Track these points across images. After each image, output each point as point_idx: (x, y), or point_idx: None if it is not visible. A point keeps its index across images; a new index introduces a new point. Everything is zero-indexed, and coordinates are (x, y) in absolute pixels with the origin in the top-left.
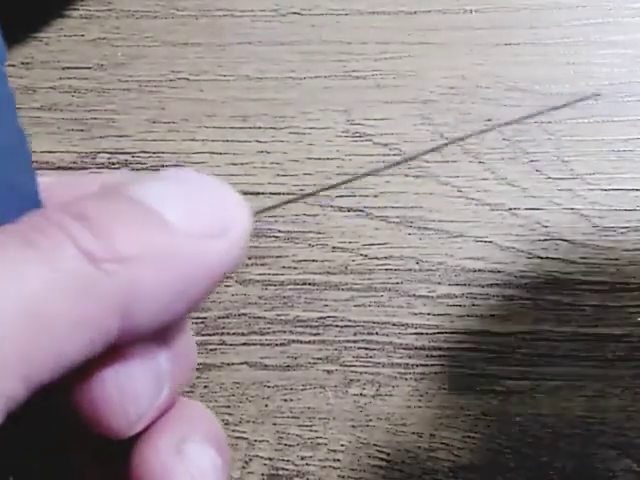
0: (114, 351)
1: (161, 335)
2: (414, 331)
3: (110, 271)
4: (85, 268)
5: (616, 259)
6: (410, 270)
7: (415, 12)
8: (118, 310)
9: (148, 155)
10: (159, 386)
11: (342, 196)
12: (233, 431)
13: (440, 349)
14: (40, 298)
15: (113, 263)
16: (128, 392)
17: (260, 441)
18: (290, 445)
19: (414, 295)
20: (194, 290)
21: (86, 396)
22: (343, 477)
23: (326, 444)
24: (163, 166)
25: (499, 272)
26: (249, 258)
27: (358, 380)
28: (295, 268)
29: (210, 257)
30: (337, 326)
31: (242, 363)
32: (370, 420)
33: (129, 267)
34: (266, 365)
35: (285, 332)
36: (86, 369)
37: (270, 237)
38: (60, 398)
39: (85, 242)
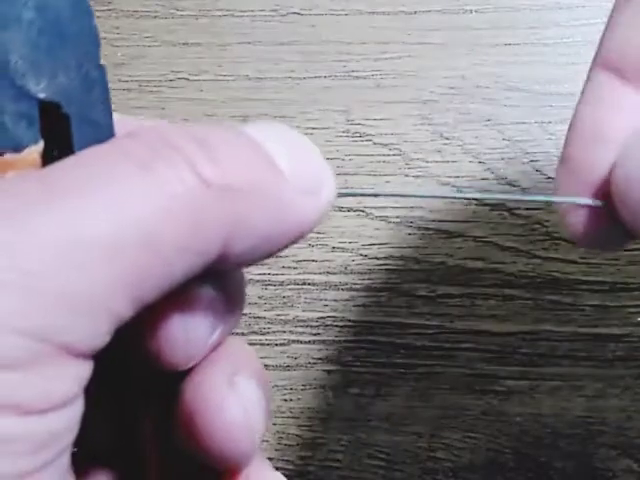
0: (182, 292)
1: (221, 276)
2: (414, 331)
3: (222, 198)
4: (199, 193)
5: (616, 259)
6: (410, 270)
7: (415, 12)
8: (221, 239)
9: None
10: (215, 326)
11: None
12: None
13: (440, 349)
14: (155, 224)
15: (226, 191)
16: (190, 330)
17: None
18: (290, 445)
19: (414, 295)
20: (284, 238)
21: (153, 331)
22: (343, 477)
23: (326, 444)
24: None
25: (499, 272)
26: None
27: (358, 380)
28: (295, 268)
29: (306, 211)
30: (337, 326)
31: None
32: (370, 420)
33: (240, 198)
34: (266, 365)
35: (285, 332)
36: (157, 307)
37: None
38: (128, 333)
39: (202, 167)
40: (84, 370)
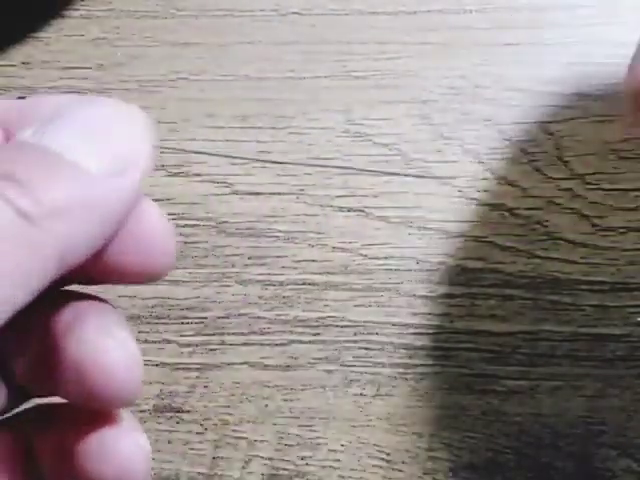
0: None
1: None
2: (414, 331)
3: (44, 226)
4: (22, 226)
5: (616, 259)
6: (410, 270)
7: (415, 12)
8: (55, 259)
9: None
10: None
11: (342, 196)
12: (233, 431)
13: (440, 349)
14: None
15: (46, 219)
16: None
17: (260, 441)
18: (290, 445)
19: (414, 295)
20: (114, 223)
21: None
22: (343, 477)
23: (326, 444)
24: (163, 166)
25: (499, 272)
26: (249, 258)
27: (358, 380)
28: (295, 268)
29: (121, 192)
30: (337, 326)
31: (242, 363)
32: (370, 420)
33: (58, 220)
34: (266, 365)
35: (285, 332)
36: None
37: (270, 237)
38: None
39: (18, 201)
40: None
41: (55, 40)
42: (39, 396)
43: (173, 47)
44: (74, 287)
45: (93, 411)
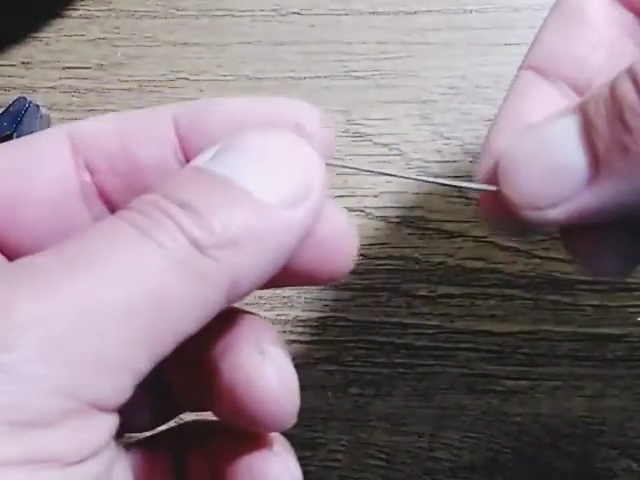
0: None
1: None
2: (414, 331)
3: (216, 257)
4: (195, 256)
5: None
6: (410, 270)
7: (415, 12)
8: (225, 289)
9: None
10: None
11: (342, 196)
12: None
13: (440, 349)
14: (161, 285)
15: (218, 249)
16: None
17: None
18: (290, 445)
19: (414, 295)
20: (286, 255)
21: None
22: (343, 477)
23: (326, 444)
24: None
25: (499, 272)
26: None
27: (358, 380)
28: None
29: (296, 224)
30: (337, 326)
31: None
32: (370, 420)
33: (231, 251)
34: None
35: (285, 332)
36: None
37: None
38: None
39: (192, 231)
40: (111, 421)
41: (55, 40)
42: (191, 410)
43: (173, 47)
44: None
45: (245, 432)
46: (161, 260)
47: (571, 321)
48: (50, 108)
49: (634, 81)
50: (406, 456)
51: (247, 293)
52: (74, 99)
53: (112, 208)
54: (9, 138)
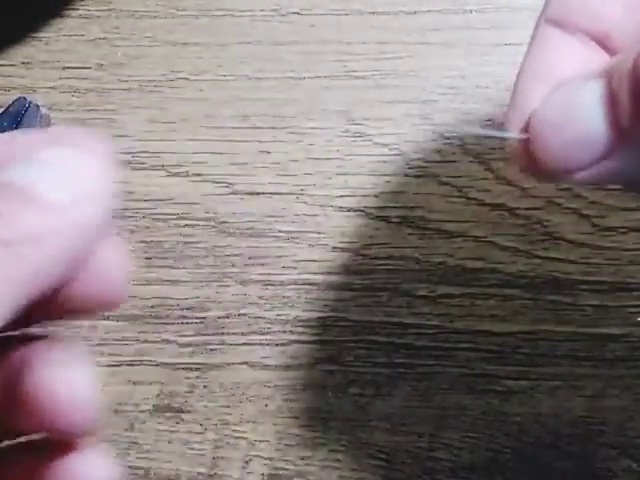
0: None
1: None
2: (414, 331)
3: (17, 253)
4: None
5: (616, 259)
6: (410, 270)
7: (415, 12)
8: (26, 285)
9: (148, 155)
10: None
11: (342, 196)
12: (233, 431)
13: (440, 349)
14: None
15: (18, 245)
16: None
17: (260, 441)
18: (290, 445)
19: (414, 295)
20: (75, 250)
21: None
22: (343, 477)
23: (326, 444)
24: (163, 166)
25: (499, 272)
26: (249, 258)
27: (358, 380)
28: (295, 268)
29: (84, 221)
30: (337, 326)
31: (242, 363)
32: (370, 420)
33: (30, 247)
34: (266, 365)
35: (285, 332)
36: None
37: (270, 237)
38: None
39: None
40: None
41: (55, 40)
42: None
43: (173, 47)
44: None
45: (57, 442)
46: None
47: (571, 321)
48: (50, 108)
49: None
50: (406, 456)
51: (46, 290)
52: (74, 99)
53: None
54: None
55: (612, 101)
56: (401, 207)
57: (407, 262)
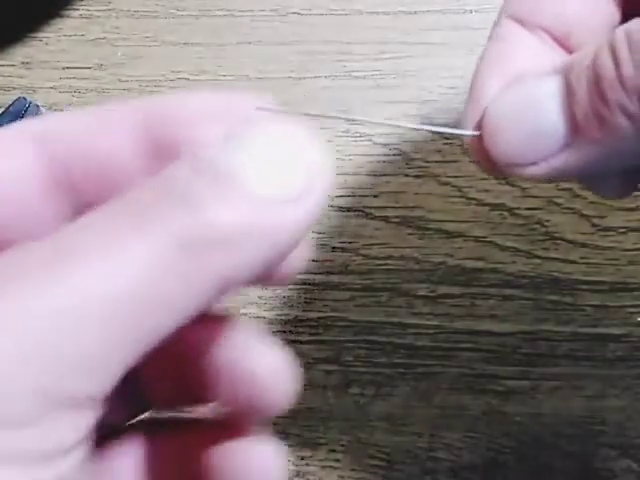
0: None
1: None
2: (414, 331)
3: (212, 252)
4: (188, 254)
5: (616, 259)
6: (410, 270)
7: (415, 12)
8: (215, 288)
9: None
10: None
11: (342, 196)
12: None
13: (440, 349)
14: (148, 284)
15: (211, 248)
16: None
17: None
18: (290, 445)
19: (414, 295)
20: (279, 253)
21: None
22: (343, 477)
23: (326, 444)
24: None
25: (499, 272)
26: None
27: (358, 380)
28: None
29: (294, 221)
30: (337, 326)
31: None
32: (370, 420)
33: (228, 247)
34: None
35: (285, 332)
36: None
37: None
38: None
39: (185, 227)
40: (86, 420)
41: (55, 40)
42: (164, 406)
43: (173, 47)
44: None
45: (224, 425)
46: (150, 257)
47: (571, 321)
48: (50, 108)
49: (613, 55)
50: (406, 456)
51: (237, 290)
52: (74, 99)
53: (77, 203)
54: None
55: (569, 96)
56: (401, 207)
57: (407, 262)
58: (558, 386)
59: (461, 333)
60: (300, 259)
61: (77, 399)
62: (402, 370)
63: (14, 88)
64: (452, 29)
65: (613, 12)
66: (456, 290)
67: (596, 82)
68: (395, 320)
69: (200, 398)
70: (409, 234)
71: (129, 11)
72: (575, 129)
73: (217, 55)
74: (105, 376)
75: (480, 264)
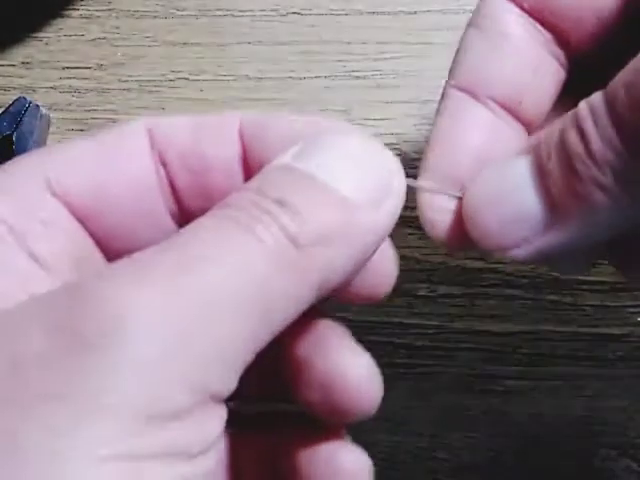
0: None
1: None
2: (414, 331)
3: (311, 252)
4: (292, 251)
5: None
6: (410, 270)
7: (415, 12)
8: (317, 283)
9: None
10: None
11: None
12: None
13: (440, 349)
14: (265, 278)
15: (312, 245)
16: None
17: None
18: None
19: (414, 295)
20: (370, 253)
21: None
22: None
23: None
24: None
25: (499, 272)
26: None
27: None
28: None
29: (381, 222)
30: None
31: None
32: (370, 420)
33: (323, 247)
34: None
35: None
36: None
37: None
38: None
39: (289, 227)
40: (224, 412)
41: (55, 40)
42: (247, 401)
43: (173, 47)
44: None
45: (314, 425)
46: (264, 255)
47: (571, 321)
48: (50, 108)
49: (580, 132)
50: (406, 456)
51: (333, 290)
52: (74, 99)
53: (180, 204)
54: (9, 138)
55: (541, 176)
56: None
57: (407, 262)
58: (558, 386)
59: (461, 333)
60: (387, 273)
61: (219, 392)
62: (402, 370)
63: (14, 88)
64: (452, 29)
65: (558, 70)
66: (456, 290)
67: (567, 160)
68: (395, 320)
69: (287, 396)
70: (409, 234)
71: (129, 11)
72: (553, 209)
73: (217, 55)
74: (237, 369)
75: (480, 264)
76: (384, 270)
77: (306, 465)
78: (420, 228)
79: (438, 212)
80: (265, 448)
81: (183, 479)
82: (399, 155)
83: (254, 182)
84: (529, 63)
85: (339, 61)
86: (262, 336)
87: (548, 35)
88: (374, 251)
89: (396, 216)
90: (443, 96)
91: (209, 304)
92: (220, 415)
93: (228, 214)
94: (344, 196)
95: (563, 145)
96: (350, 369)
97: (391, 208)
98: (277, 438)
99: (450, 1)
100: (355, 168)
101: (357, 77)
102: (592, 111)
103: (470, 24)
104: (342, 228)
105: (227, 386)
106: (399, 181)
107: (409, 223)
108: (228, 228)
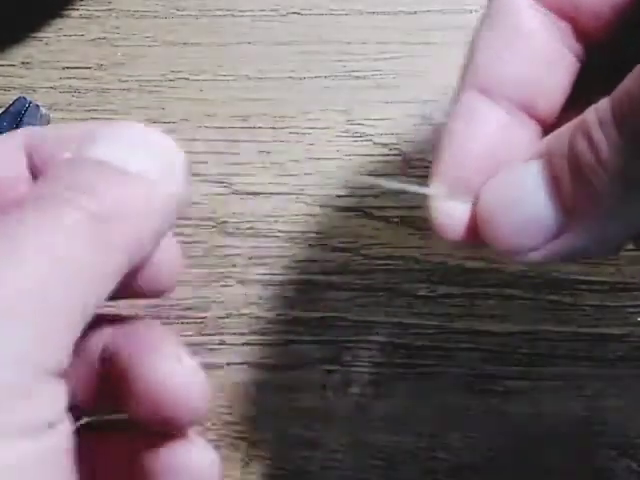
0: None
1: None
2: (414, 331)
3: (114, 227)
4: (98, 228)
5: (616, 259)
6: (410, 270)
7: (415, 12)
8: (126, 257)
9: None
10: None
11: (342, 196)
12: (233, 431)
13: (440, 349)
14: (73, 255)
15: (114, 219)
16: None
17: (260, 441)
18: (290, 445)
19: (414, 295)
20: (168, 222)
21: None
22: (343, 477)
23: (326, 444)
24: None
25: (499, 272)
26: (249, 258)
27: (358, 380)
28: (295, 268)
29: (173, 194)
30: (337, 326)
31: (242, 363)
32: (370, 420)
33: (125, 220)
34: (266, 365)
35: (285, 332)
36: None
37: (270, 237)
38: None
39: (90, 206)
40: (64, 390)
41: (55, 40)
42: (92, 415)
43: (173, 47)
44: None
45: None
46: (71, 234)
47: (571, 321)
48: (50, 108)
49: (588, 140)
50: (406, 456)
51: (140, 262)
52: (74, 99)
53: None
54: None
55: (553, 182)
56: (401, 207)
57: (407, 262)
58: (558, 386)
59: (461, 333)
60: (172, 270)
61: (55, 369)
62: (402, 370)
63: (14, 88)
64: (452, 29)
65: (572, 62)
66: (456, 290)
67: (578, 169)
68: (395, 320)
69: (121, 405)
70: (409, 234)
71: (129, 11)
72: (566, 214)
73: (217, 55)
74: (67, 343)
75: (480, 264)
76: (169, 262)
77: (154, 465)
78: (420, 228)
79: (450, 216)
80: (118, 449)
81: (16, 458)
82: (399, 155)
83: (53, 173)
84: (544, 58)
85: (339, 61)
86: (87, 306)
87: (564, 26)
88: (173, 222)
89: (181, 190)
90: (456, 97)
91: (28, 292)
92: (61, 391)
93: (33, 204)
94: (135, 173)
95: (572, 153)
96: (169, 379)
97: (180, 181)
98: (128, 439)
99: (450, 1)
100: (140, 149)
101: (357, 77)
102: (599, 119)
103: (483, 20)
104: (139, 201)
105: (63, 360)
106: (180, 158)
107: (409, 223)
108: (27, 220)
